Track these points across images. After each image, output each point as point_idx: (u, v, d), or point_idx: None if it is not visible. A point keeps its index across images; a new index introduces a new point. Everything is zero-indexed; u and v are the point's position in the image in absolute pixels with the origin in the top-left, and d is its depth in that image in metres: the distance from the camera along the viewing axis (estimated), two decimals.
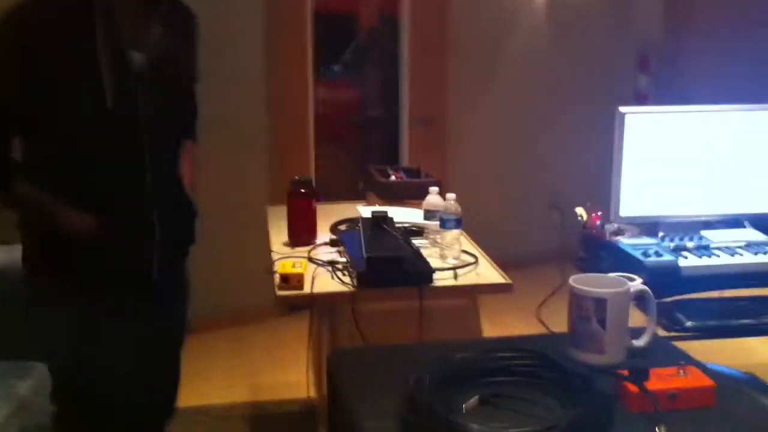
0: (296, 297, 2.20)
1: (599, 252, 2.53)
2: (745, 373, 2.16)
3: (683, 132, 2.56)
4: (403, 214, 2.72)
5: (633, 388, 1.21)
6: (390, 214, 2.52)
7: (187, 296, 2.18)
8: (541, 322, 2.00)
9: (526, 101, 5.10)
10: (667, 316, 2.26)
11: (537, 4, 5.03)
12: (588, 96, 5.08)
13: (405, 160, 4.81)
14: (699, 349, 1.74)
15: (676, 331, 2.22)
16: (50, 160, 1.81)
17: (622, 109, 2.54)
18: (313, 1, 4.46)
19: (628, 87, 5.33)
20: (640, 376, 1.21)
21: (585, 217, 2.59)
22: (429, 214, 2.59)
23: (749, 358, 3.57)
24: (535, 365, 1.25)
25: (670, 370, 1.27)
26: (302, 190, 2.60)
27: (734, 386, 1.30)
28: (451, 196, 2.44)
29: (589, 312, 1.37)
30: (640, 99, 5.26)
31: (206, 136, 3.99)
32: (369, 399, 1.24)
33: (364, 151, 5.71)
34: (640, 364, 1.28)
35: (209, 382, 3.67)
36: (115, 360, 1.90)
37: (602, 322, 1.36)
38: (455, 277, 2.30)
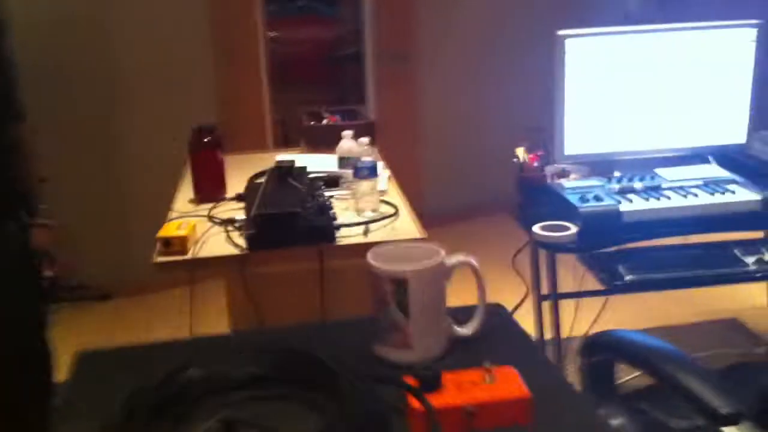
0: (177, 263, 1.94)
1: (538, 197, 2.23)
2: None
3: (635, 56, 2.24)
4: (320, 163, 2.43)
5: (415, 403, 0.89)
6: (303, 162, 2.24)
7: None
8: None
9: (497, 31, 4.71)
10: (607, 269, 1.98)
11: None
12: (572, 19, 4.68)
13: (372, 101, 4.49)
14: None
15: (617, 286, 1.93)
16: None
17: (561, 32, 2.21)
18: None
19: (619, 8, 4.92)
20: (427, 384, 0.91)
21: (522, 157, 2.29)
22: (343, 162, 2.30)
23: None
24: (293, 373, 0.92)
25: (474, 373, 0.95)
26: (204, 140, 2.32)
27: (565, 394, 1.01)
28: (363, 140, 2.17)
29: (387, 296, 1.07)
30: (631, 23, 4.86)
31: (151, 87, 3.78)
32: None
33: (335, 92, 5.40)
34: (434, 366, 0.94)
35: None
36: None
37: (403, 308, 1.06)
38: (366, 233, 2.03)
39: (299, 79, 5.20)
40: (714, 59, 2.27)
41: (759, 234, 2.28)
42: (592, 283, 2.08)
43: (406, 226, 2.09)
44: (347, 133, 2.34)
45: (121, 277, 3.85)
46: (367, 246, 1.95)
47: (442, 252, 1.10)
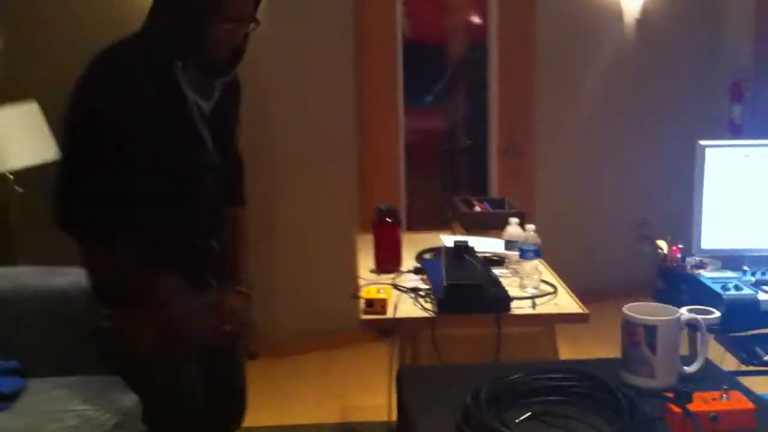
0: (379, 321, 2.33)
1: (679, 285, 2.56)
2: None
3: (766, 165, 2.57)
4: (484, 244, 2.81)
5: (676, 409, 1.29)
6: (471, 244, 2.62)
7: None
8: None
9: (613, 129, 5.11)
10: (746, 350, 2.27)
11: (625, 29, 5.05)
12: (679, 124, 5.06)
13: (493, 188, 4.89)
14: None
15: (754, 365, 2.23)
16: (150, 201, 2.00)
17: (702, 142, 2.57)
18: (403, 31, 4.62)
19: (722, 116, 5.27)
20: (683, 398, 1.30)
21: (666, 249, 2.62)
22: (509, 245, 2.68)
23: None
24: (585, 386, 1.34)
25: (714, 393, 1.36)
26: (387, 219, 2.73)
27: None
28: (530, 227, 2.53)
29: (639, 338, 1.45)
30: (734, 129, 5.18)
31: (297, 163, 4.25)
32: (429, 414, 1.36)
33: (454, 178, 5.82)
34: (685, 387, 1.35)
35: (298, 402, 3.81)
36: (196, 378, 2.10)
37: (653, 349, 1.44)
38: (533, 306, 2.38)
39: (420, 166, 5.65)
40: None
41: None
42: (729, 363, 2.37)
43: (567, 302, 2.44)
44: (514, 220, 2.72)
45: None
46: (534, 317, 2.32)
47: (678, 310, 1.49)
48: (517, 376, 1.35)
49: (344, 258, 3.47)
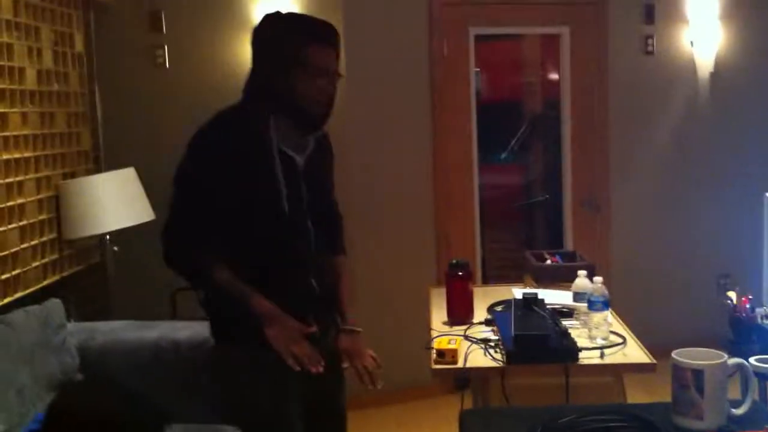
0: (450, 370, 2.42)
1: (750, 335, 2.58)
2: None
3: None
4: (554, 296, 2.88)
5: None
6: (541, 296, 2.70)
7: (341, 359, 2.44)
8: None
9: (690, 183, 5.11)
10: None
11: (699, 83, 5.08)
12: (753, 177, 5.02)
13: (569, 243, 4.94)
14: None
15: None
16: (242, 247, 2.20)
17: None
18: (477, 90, 4.79)
19: None
20: None
21: (735, 300, 2.65)
22: (578, 296, 2.75)
23: None
24: (633, 427, 1.41)
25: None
26: (459, 273, 2.84)
27: None
28: (597, 279, 2.60)
29: (688, 381, 1.52)
30: None
31: (378, 220, 4.40)
32: None
33: (530, 233, 5.88)
34: (731, 427, 1.40)
35: None
36: (296, 418, 2.25)
37: (701, 391, 1.50)
38: (602, 356, 2.44)
39: (496, 221, 5.75)
40: None
41: None
42: None
43: (635, 352, 2.49)
44: (582, 273, 2.80)
45: None
46: (602, 366, 2.37)
47: (725, 355, 1.55)
48: (569, 417, 1.43)
49: (420, 312, 3.58)
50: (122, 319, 3.41)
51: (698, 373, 1.53)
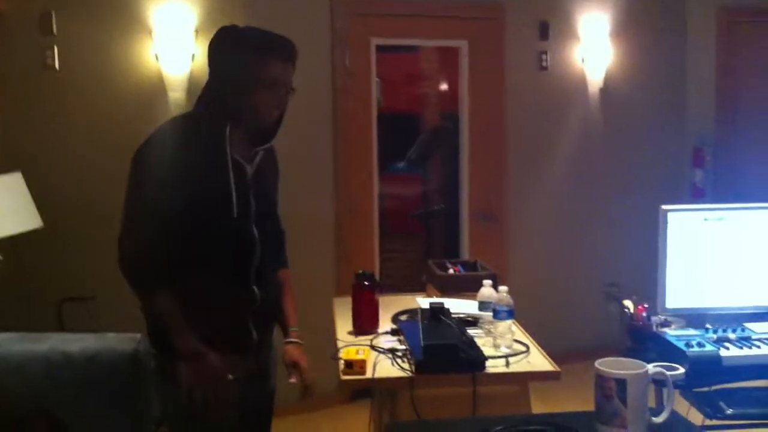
0: (359, 381, 2.40)
1: (646, 343, 2.66)
2: None
3: (725, 228, 2.71)
4: (459, 306, 2.91)
5: None
6: (447, 306, 2.71)
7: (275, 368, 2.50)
8: None
9: (582, 195, 5.28)
10: (710, 404, 2.37)
11: (590, 99, 5.26)
12: (645, 189, 5.25)
13: (466, 253, 5.01)
14: None
15: (718, 418, 2.33)
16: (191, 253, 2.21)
17: (664, 207, 2.71)
18: (379, 102, 4.80)
19: (685, 181, 5.47)
20: None
21: (632, 309, 2.74)
22: (483, 306, 2.78)
23: None
24: None
25: None
26: (365, 283, 2.82)
27: None
28: (503, 288, 2.64)
29: (611, 391, 1.55)
30: (697, 194, 5.38)
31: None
32: None
33: (428, 243, 5.93)
34: None
35: None
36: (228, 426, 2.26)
37: (623, 400, 1.54)
38: (507, 364, 2.47)
39: (394, 231, 5.77)
40: None
41: None
42: (694, 418, 2.46)
43: (539, 360, 2.54)
44: (487, 282, 2.83)
45: None
46: (508, 375, 2.41)
47: (646, 365, 1.59)
48: (499, 428, 1.44)
49: (321, 322, 3.54)
50: (7, 331, 3.22)
51: (621, 383, 1.56)
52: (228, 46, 2.27)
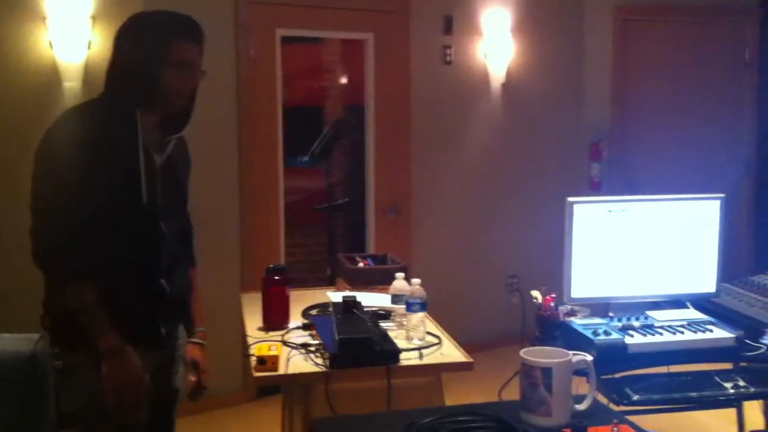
0: (272, 378, 2.36)
1: (553, 332, 2.72)
2: None
3: (628, 220, 2.79)
4: (371, 299, 2.90)
5: None
6: (359, 299, 2.70)
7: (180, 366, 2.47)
8: (501, 399, 2.17)
9: (485, 189, 5.37)
10: (616, 391, 2.43)
11: (492, 94, 5.35)
12: (545, 182, 5.39)
13: (372, 247, 5.01)
14: (653, 421, 1.93)
15: (624, 404, 2.39)
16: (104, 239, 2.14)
17: (570, 199, 2.77)
18: (283, 95, 4.74)
19: (583, 174, 5.63)
20: None
21: (540, 299, 2.79)
22: (396, 298, 2.78)
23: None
24: (491, 427, 1.43)
25: (606, 428, 1.49)
26: (276, 277, 2.78)
27: None
28: (416, 281, 2.64)
29: (537, 380, 1.57)
30: (594, 186, 5.55)
31: None
32: None
33: (333, 237, 5.91)
34: (580, 423, 1.46)
35: None
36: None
37: (549, 388, 1.56)
38: (420, 356, 2.48)
39: (300, 224, 5.73)
40: (689, 223, 2.84)
41: (731, 365, 2.77)
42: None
43: (452, 351, 2.55)
44: (399, 275, 2.83)
45: None
46: (422, 367, 2.41)
47: (570, 353, 1.61)
48: (428, 420, 1.43)
49: (229, 318, 3.47)
50: None
51: (547, 371, 1.58)
52: (135, 29, 2.24)
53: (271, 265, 2.82)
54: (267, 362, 2.36)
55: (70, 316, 2.13)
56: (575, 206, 2.77)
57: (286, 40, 4.75)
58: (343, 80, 6.29)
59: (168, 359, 2.42)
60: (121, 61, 2.23)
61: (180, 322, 2.44)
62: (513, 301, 5.15)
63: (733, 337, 2.60)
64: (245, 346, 2.60)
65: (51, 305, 2.23)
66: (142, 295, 2.23)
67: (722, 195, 2.87)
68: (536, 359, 1.61)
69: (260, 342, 2.53)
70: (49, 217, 2.12)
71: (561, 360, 1.63)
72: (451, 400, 2.58)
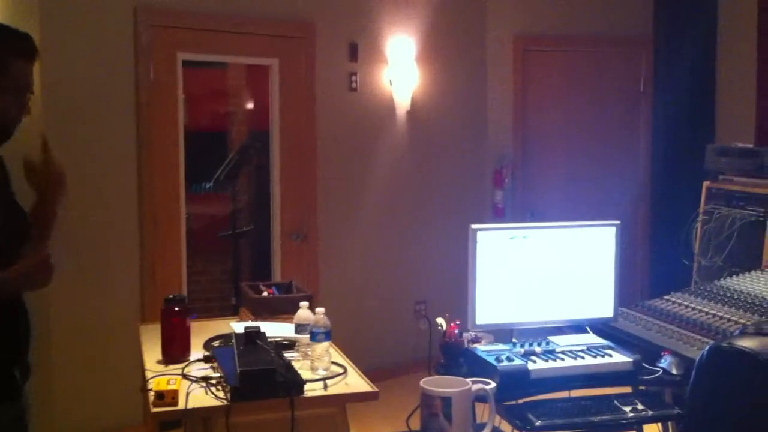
0: (171, 413, 2.28)
1: (458, 358, 2.73)
2: None
3: (529, 246, 2.84)
4: (275, 329, 2.85)
5: None
6: (262, 329, 2.65)
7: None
8: (409, 429, 2.14)
9: (391, 215, 5.38)
10: (519, 417, 2.45)
11: (397, 121, 5.39)
12: (450, 208, 5.45)
13: (277, 273, 4.94)
14: None
15: (527, 430, 2.40)
16: None
17: (474, 226, 2.80)
18: (185, 119, 4.64)
19: (487, 200, 5.72)
20: None
21: (444, 326, 2.80)
22: (300, 328, 2.73)
23: None
24: None
25: None
26: (176, 308, 2.69)
27: None
28: (320, 310, 2.60)
29: (437, 409, 1.56)
30: (497, 213, 5.65)
31: (80, 252, 4.06)
32: None
33: (237, 265, 5.81)
34: None
35: None
36: None
37: (449, 418, 1.56)
38: (325, 387, 2.44)
39: (202, 252, 5.61)
40: (587, 250, 2.90)
41: (629, 389, 2.84)
42: (504, 429, 2.55)
43: (357, 381, 2.53)
44: (304, 304, 2.78)
45: None
46: (327, 398, 2.38)
47: (469, 381, 1.60)
48: None
49: (127, 350, 3.36)
50: None
51: (446, 401, 1.57)
52: None
53: (170, 296, 2.73)
54: (166, 397, 2.28)
55: None
56: (479, 233, 2.80)
57: (189, 63, 4.67)
58: (248, 105, 6.23)
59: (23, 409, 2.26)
60: None
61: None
62: (421, 327, 5.18)
63: (630, 361, 2.66)
64: (144, 380, 2.50)
65: None
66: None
67: (617, 222, 2.95)
68: (435, 389, 1.60)
69: (159, 376, 2.44)
70: None
71: (460, 389, 1.62)
72: (356, 430, 2.56)
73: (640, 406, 2.56)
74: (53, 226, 2.26)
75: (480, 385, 1.70)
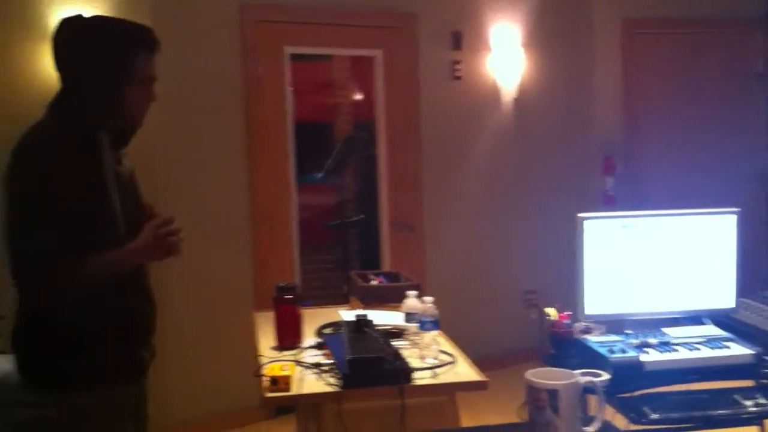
0: (284, 398, 2.33)
1: (568, 350, 2.68)
2: None
3: (641, 235, 2.76)
4: (384, 317, 2.87)
5: None
6: (371, 318, 2.67)
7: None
8: (519, 419, 2.13)
9: (497, 204, 5.33)
10: (634, 409, 2.39)
11: (503, 110, 5.32)
12: (559, 197, 5.34)
13: (386, 263, 4.98)
14: None
15: (642, 423, 2.35)
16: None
17: (581, 215, 2.74)
18: (293, 112, 4.73)
19: (597, 189, 5.59)
20: None
21: (554, 316, 2.75)
22: (408, 317, 2.75)
23: None
24: None
25: None
26: (287, 296, 2.75)
27: None
28: (428, 299, 2.61)
29: (543, 402, 1.54)
30: (608, 201, 5.51)
31: (194, 244, 4.19)
32: None
33: (347, 253, 5.88)
34: None
35: None
36: None
37: (556, 411, 1.53)
38: (434, 375, 2.44)
39: (313, 242, 5.69)
40: (705, 238, 2.80)
41: (751, 382, 2.72)
42: (619, 423, 2.48)
43: (466, 370, 2.52)
44: (412, 293, 2.80)
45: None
46: (436, 386, 2.38)
47: (576, 374, 1.57)
48: None
49: (241, 337, 3.45)
50: None
51: (553, 393, 1.55)
52: (88, 43, 2.05)
53: (281, 284, 2.79)
54: (279, 383, 2.33)
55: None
56: (585, 222, 2.74)
57: (295, 57, 4.75)
58: (353, 96, 6.28)
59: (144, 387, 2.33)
60: (74, 79, 2.06)
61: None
62: (531, 316, 5.10)
63: (751, 354, 2.55)
64: (258, 366, 2.57)
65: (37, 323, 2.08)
66: (126, 317, 2.15)
67: (738, 209, 2.83)
68: (542, 381, 1.58)
69: (273, 362, 2.50)
70: (28, 240, 1.96)
71: (567, 381, 1.59)
72: (466, 419, 2.55)
73: (762, 401, 2.45)
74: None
75: (588, 378, 1.66)
